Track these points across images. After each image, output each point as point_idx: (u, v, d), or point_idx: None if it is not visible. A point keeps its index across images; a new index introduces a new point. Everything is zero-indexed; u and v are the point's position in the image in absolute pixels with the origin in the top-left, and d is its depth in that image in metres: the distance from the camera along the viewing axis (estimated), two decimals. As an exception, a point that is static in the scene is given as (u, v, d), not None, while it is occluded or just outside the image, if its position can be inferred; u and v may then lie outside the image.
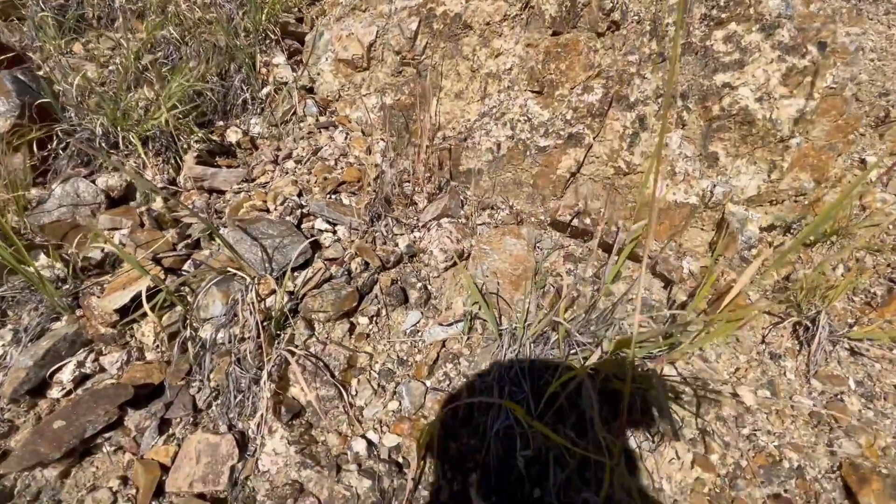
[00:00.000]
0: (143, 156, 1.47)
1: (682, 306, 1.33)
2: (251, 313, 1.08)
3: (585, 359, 0.96)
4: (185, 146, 1.61)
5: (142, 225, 1.36)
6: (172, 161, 1.59)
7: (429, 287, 1.29)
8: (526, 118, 1.64)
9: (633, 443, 1.08)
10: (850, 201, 1.58)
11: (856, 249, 1.49)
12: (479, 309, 1.17)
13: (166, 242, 1.28)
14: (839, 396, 1.22)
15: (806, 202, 1.54)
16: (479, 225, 1.46)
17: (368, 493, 0.93)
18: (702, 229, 1.60)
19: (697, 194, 1.52)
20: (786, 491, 1.08)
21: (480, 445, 1.01)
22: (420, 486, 0.98)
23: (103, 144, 1.50)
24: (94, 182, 1.41)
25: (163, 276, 1.19)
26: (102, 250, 1.25)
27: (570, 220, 1.41)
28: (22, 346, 1.08)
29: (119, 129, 1.50)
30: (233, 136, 1.71)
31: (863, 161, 1.66)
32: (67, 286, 1.17)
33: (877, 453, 1.12)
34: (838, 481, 1.09)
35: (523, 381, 1.00)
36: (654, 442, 1.09)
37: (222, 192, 1.53)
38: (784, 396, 1.23)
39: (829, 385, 1.24)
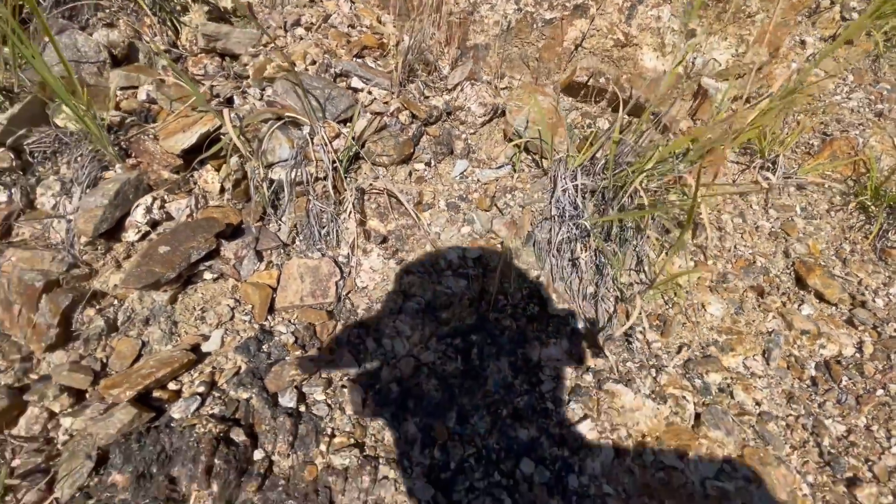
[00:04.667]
0: (144, 7, 1.37)
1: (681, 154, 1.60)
2: (325, 152, 1.14)
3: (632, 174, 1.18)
4: (179, 6, 1.50)
5: (162, 82, 1.30)
6: (169, 23, 1.48)
7: (469, 141, 1.42)
8: (532, -9, 1.74)
9: (653, 254, 1.36)
10: (796, 77, 1.93)
11: (798, 113, 1.85)
12: (522, 153, 1.34)
13: (204, 94, 1.26)
14: (790, 219, 1.59)
15: (762, 75, 1.85)
16: (502, 89, 1.58)
17: (464, 291, 1.10)
18: (682, 99, 1.86)
19: (682, 64, 1.76)
20: (757, 283, 1.43)
21: (544, 258, 1.22)
22: (496, 297, 1.18)
23: (90, -5, 1.36)
24: (91, 36, 1.30)
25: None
26: (146, 98, 1.20)
27: (587, 81, 1.58)
28: (80, 193, 1.06)
29: (107, -22, 1.36)
30: (227, 0, 1.61)
31: (802, 42, 2.01)
32: (112, 136, 1.13)
33: (818, 252, 1.52)
34: (792, 274, 1.47)
35: (579, 201, 1.21)
36: (668, 252, 1.38)
37: (235, 56, 1.48)
38: (751, 222, 1.58)
39: (783, 212, 1.61)
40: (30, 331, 0.95)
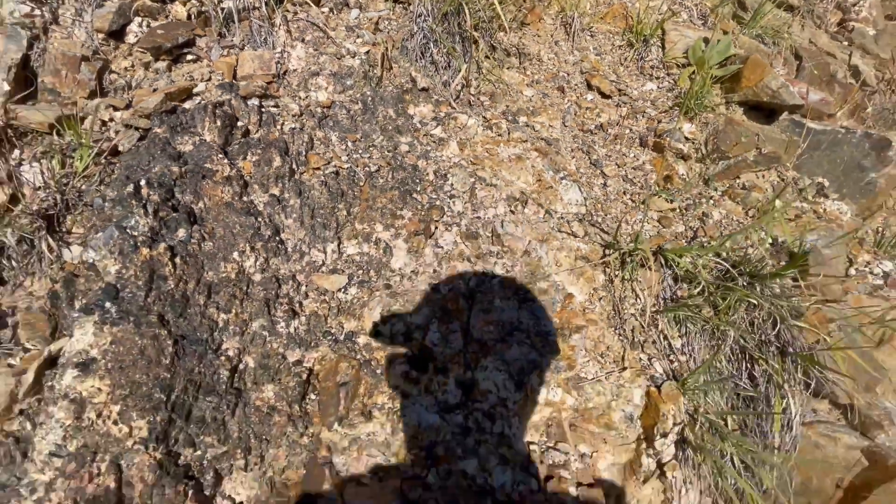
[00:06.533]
0: None
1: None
2: (258, -12, 1.75)
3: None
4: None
5: (132, -43, 1.83)
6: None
7: (361, 2, 2.08)
8: None
9: (488, 64, 2.09)
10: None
11: (595, -6, 2.67)
12: (397, 4, 2.02)
13: (164, -38, 1.81)
14: (587, 54, 2.40)
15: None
16: (382, -28, 2.25)
17: (359, 69, 1.76)
18: (516, -13, 2.61)
19: (511, -42, 2.50)
20: (560, 85, 2.21)
21: (414, 60, 1.90)
22: (383, 80, 1.84)
23: None
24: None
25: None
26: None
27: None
28: (92, 10, 1.59)
29: None
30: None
31: (598, -51, 2.83)
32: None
33: (600, 67, 2.33)
34: (584, 82, 2.26)
35: (434, 22, 1.90)
36: (496, 60, 2.12)
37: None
38: (562, 58, 2.37)
39: (582, 51, 2.41)
40: (75, 86, 1.49)
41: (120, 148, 1.36)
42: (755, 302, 1.33)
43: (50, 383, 0.95)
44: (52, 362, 1.09)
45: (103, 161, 1.31)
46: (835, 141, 2.01)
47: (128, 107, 1.48)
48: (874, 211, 2.11)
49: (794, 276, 1.56)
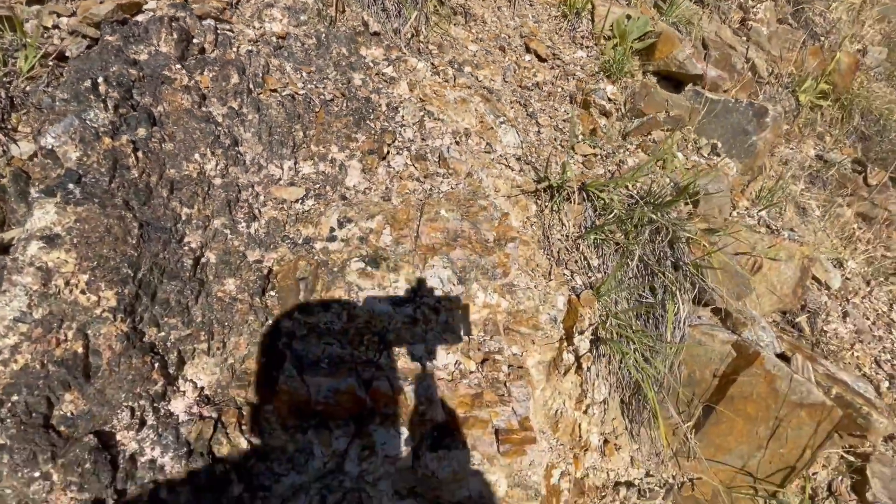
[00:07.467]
0: None
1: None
2: (209, -85, 1.74)
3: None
4: None
5: None
6: None
7: (312, -56, 2.10)
8: None
9: (434, 18, 2.21)
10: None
11: (535, -32, 2.86)
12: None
13: None
14: (525, 21, 2.59)
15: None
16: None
17: (313, 6, 1.81)
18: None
19: (458, -76, 2.62)
20: (501, 45, 2.38)
21: (367, 6, 1.98)
22: (337, 21, 1.91)
23: None
24: None
25: None
26: None
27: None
28: (27, -85, 1.51)
29: None
30: None
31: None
32: None
33: (538, 32, 2.53)
34: (523, 45, 2.45)
35: (382, -34, 1.99)
36: (443, 15, 2.24)
37: None
38: (503, 23, 2.54)
39: (522, 18, 2.59)
40: (11, -10, 1.42)
41: (67, 54, 1.33)
42: (655, 218, 1.59)
43: (13, 256, 0.97)
44: (4, 249, 1.09)
45: (50, 64, 1.29)
46: (727, 109, 2.36)
47: (72, 15, 1.45)
48: (756, 171, 2.51)
49: (690, 210, 1.85)
